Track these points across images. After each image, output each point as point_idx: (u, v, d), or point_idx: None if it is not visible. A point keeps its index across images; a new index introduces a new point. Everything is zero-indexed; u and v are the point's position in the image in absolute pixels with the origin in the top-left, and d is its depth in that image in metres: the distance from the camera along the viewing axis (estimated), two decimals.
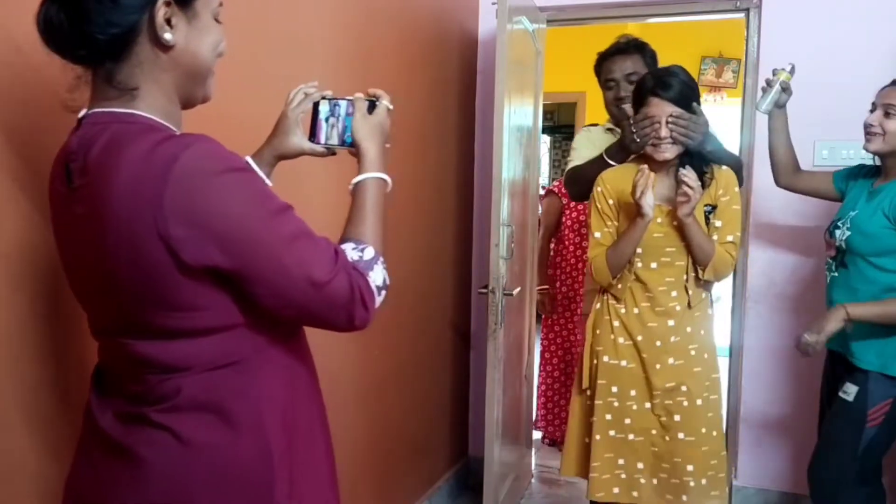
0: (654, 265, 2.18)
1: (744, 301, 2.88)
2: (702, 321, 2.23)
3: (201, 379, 0.96)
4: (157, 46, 0.95)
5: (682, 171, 2.05)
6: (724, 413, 2.25)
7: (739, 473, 2.93)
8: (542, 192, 3.55)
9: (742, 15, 2.88)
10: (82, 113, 0.98)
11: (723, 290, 3.41)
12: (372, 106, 1.21)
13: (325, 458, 1.16)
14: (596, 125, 2.76)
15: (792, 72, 2.27)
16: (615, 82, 2.53)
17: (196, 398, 0.96)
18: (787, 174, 2.38)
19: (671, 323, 2.19)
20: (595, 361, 2.25)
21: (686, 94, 2.08)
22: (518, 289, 2.71)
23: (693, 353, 2.20)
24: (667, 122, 2.06)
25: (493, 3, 2.49)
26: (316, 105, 1.24)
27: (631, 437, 2.21)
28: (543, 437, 3.67)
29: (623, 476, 2.22)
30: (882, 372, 2.06)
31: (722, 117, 5.55)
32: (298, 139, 1.26)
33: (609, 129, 2.62)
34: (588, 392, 2.27)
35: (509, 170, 2.57)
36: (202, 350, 0.96)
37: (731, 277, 2.99)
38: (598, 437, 2.22)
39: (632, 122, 2.13)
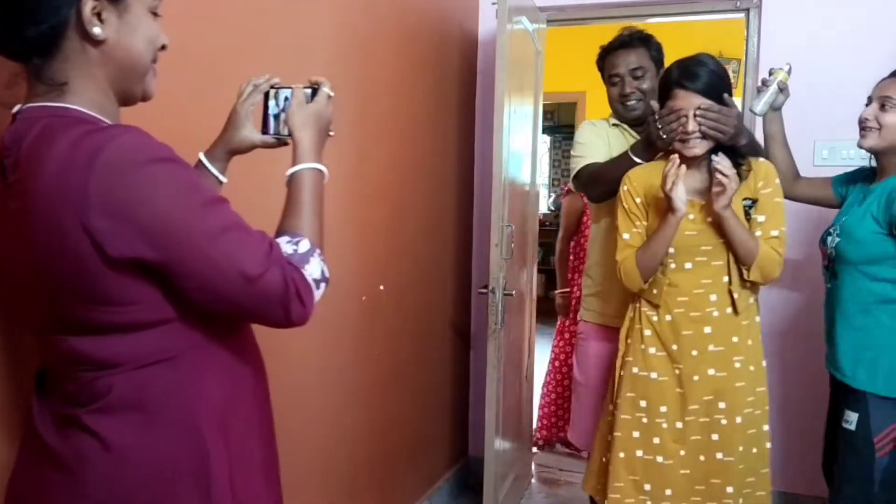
0: (688, 266, 1.99)
1: None
2: (750, 330, 2.02)
3: (133, 376, 0.95)
4: (87, 41, 0.93)
5: (714, 157, 1.88)
6: (766, 428, 2.04)
7: None
8: (562, 191, 3.50)
9: (742, 15, 2.88)
10: (16, 108, 0.97)
11: None
12: (314, 94, 1.18)
13: (267, 459, 1.14)
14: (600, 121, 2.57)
15: (789, 72, 2.15)
16: (619, 77, 2.35)
17: (127, 397, 0.95)
18: (786, 182, 2.20)
19: (707, 330, 1.98)
20: (622, 373, 2.07)
21: (715, 84, 1.91)
22: (518, 289, 2.71)
23: (738, 365, 1.99)
24: (694, 116, 1.89)
25: (493, 3, 2.49)
26: (266, 96, 1.22)
27: (660, 459, 2.00)
28: (539, 441, 3.56)
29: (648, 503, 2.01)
30: (878, 394, 1.92)
31: None
32: (248, 132, 1.23)
33: (615, 124, 2.44)
34: (611, 407, 2.10)
35: (509, 170, 2.57)
36: (134, 346, 0.95)
37: None
38: (621, 454, 2.02)
39: (657, 116, 1.98)
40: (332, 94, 1.19)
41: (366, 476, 2.39)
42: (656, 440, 2.01)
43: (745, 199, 1.98)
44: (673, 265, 2.00)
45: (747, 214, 1.99)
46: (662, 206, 1.94)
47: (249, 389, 1.09)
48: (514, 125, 2.65)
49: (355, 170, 2.24)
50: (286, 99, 1.20)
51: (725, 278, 1.98)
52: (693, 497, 2.00)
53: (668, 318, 2.01)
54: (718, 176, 1.86)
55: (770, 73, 2.17)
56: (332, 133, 1.20)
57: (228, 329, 1.05)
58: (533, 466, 3.38)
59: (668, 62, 3.10)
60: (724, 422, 1.99)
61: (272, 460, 1.16)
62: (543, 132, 6.84)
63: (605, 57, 2.41)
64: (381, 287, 2.41)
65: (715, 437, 1.99)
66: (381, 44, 2.37)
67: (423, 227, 2.77)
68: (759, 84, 2.20)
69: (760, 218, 1.98)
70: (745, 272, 1.95)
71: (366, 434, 2.37)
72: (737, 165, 1.92)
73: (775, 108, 2.20)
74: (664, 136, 1.96)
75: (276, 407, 1.86)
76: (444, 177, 2.95)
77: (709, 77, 1.90)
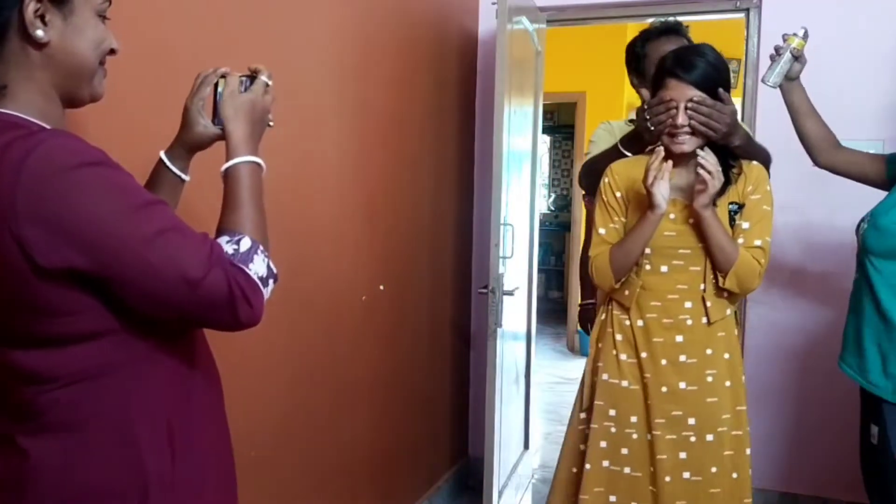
0: (664, 269, 1.87)
1: (744, 301, 2.88)
2: (726, 343, 1.90)
3: (71, 392, 0.91)
4: (29, 44, 0.91)
5: (699, 152, 1.76)
6: (748, 452, 1.93)
7: None
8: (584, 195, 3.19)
9: (742, 15, 2.88)
10: None
11: None
12: (252, 82, 1.13)
13: (221, 473, 1.09)
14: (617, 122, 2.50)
15: (805, 37, 1.95)
16: None
17: (62, 415, 0.91)
18: (826, 151, 2.01)
19: (679, 339, 1.87)
20: (595, 379, 1.98)
21: (712, 76, 1.77)
22: (518, 288, 2.71)
23: (710, 379, 1.87)
24: (686, 109, 1.75)
25: (493, 3, 2.49)
26: (215, 86, 1.18)
27: (627, 470, 1.91)
28: None
29: None
30: (892, 401, 1.75)
31: None
32: (202, 127, 1.17)
33: (631, 121, 2.33)
34: (583, 415, 2.01)
35: (509, 170, 2.57)
36: (74, 359, 0.91)
37: None
38: (588, 466, 1.93)
39: (646, 106, 1.85)
40: (269, 82, 1.15)
41: (366, 476, 2.39)
42: (624, 451, 1.91)
43: (731, 203, 1.87)
44: (648, 267, 1.88)
45: (732, 220, 1.87)
46: (643, 203, 1.83)
47: (201, 400, 1.05)
48: (514, 125, 2.65)
49: (355, 170, 2.23)
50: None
51: (702, 285, 1.86)
52: None
53: (639, 322, 1.90)
54: (701, 172, 1.75)
55: (784, 40, 1.98)
56: (271, 124, 1.16)
57: (176, 337, 1.01)
58: (533, 466, 3.38)
59: None
60: (693, 439, 1.87)
61: (227, 473, 1.12)
62: (543, 132, 6.83)
63: (649, 42, 2.25)
64: (381, 287, 2.41)
65: (683, 455, 1.87)
66: (380, 44, 2.36)
67: (423, 227, 2.77)
68: (773, 52, 2.00)
69: (745, 224, 1.86)
70: (720, 279, 1.83)
71: (366, 434, 2.37)
72: (727, 167, 1.82)
73: (791, 79, 2.00)
74: (651, 128, 1.83)
75: (276, 407, 1.86)
76: (444, 177, 2.95)
77: (705, 68, 1.77)
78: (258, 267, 0.98)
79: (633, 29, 5.28)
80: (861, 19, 2.68)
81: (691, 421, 1.87)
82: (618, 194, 1.94)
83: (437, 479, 3.02)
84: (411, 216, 2.65)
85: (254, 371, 1.78)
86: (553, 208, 8.06)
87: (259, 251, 1.00)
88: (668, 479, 1.87)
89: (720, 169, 1.77)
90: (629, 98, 5.42)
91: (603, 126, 2.42)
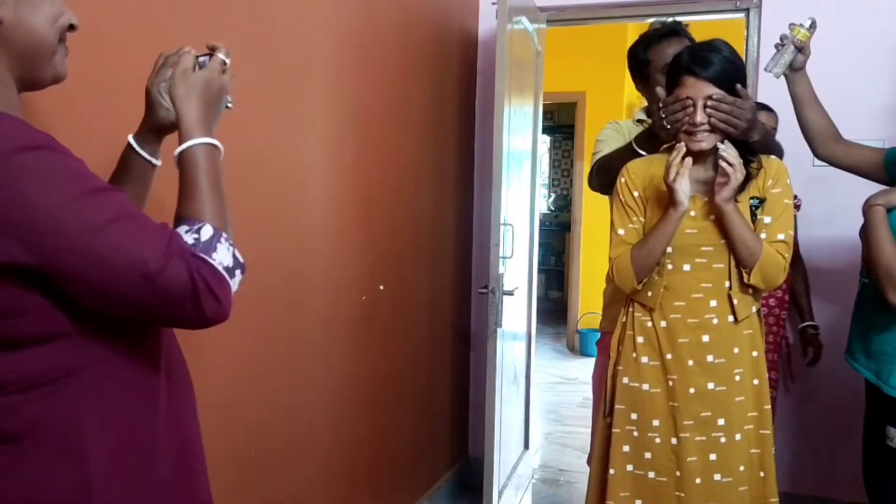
0: (686, 267, 1.84)
1: None
2: (752, 340, 1.87)
3: (20, 399, 0.85)
4: None
5: (720, 145, 1.73)
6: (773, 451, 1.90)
7: None
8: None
9: (742, 15, 2.88)
10: None
11: None
12: (203, 61, 1.06)
13: (185, 482, 1.02)
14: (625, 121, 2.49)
15: (811, 28, 1.93)
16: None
17: (8, 423, 0.85)
18: (826, 143, 1.99)
19: (706, 338, 1.84)
20: (615, 383, 1.94)
21: (729, 72, 1.74)
22: (517, 288, 2.71)
23: (738, 378, 1.85)
24: (704, 106, 1.73)
25: (493, 3, 2.49)
26: None
27: (652, 475, 1.87)
28: None
29: None
30: None
31: None
32: (165, 110, 1.08)
33: (640, 121, 2.34)
34: (608, 420, 1.97)
35: (509, 170, 2.57)
36: (23, 364, 0.84)
37: None
38: (612, 471, 1.91)
39: (661, 104, 1.81)
40: (227, 60, 1.07)
41: (366, 476, 2.39)
42: (647, 455, 1.88)
43: (752, 197, 1.84)
44: (670, 266, 1.85)
45: (753, 215, 1.84)
46: (663, 201, 1.81)
47: (166, 409, 0.98)
48: (514, 125, 2.65)
49: (355, 170, 2.23)
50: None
51: (727, 283, 1.82)
52: None
53: (662, 324, 1.87)
54: (723, 164, 1.72)
55: (790, 29, 1.96)
56: (229, 105, 1.09)
57: (138, 340, 0.95)
58: (533, 466, 3.38)
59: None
60: (723, 440, 1.84)
61: (193, 486, 1.04)
62: (543, 132, 6.83)
63: (648, 48, 2.25)
64: (381, 287, 2.41)
65: (713, 456, 1.85)
66: (380, 43, 2.36)
67: (423, 227, 2.77)
68: (777, 42, 1.98)
69: (767, 219, 1.83)
70: (745, 275, 1.79)
71: (366, 434, 2.37)
72: (746, 162, 1.79)
73: (795, 69, 1.98)
74: (668, 127, 1.79)
75: (276, 406, 1.86)
76: (444, 177, 2.95)
77: (722, 64, 1.73)
78: (223, 256, 0.91)
79: (633, 29, 5.29)
80: (861, 18, 2.68)
81: (721, 422, 1.84)
82: (635, 193, 1.90)
83: (437, 479, 3.02)
84: (411, 216, 2.65)
85: (253, 371, 1.78)
86: (553, 208, 8.06)
87: (222, 239, 0.92)
88: (698, 481, 1.84)
89: (741, 162, 1.74)
90: (629, 98, 5.42)
91: (611, 126, 2.39)
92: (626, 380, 1.91)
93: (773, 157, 1.89)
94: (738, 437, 1.85)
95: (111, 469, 0.90)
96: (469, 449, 3.32)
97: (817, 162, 2.67)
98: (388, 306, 2.47)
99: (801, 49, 1.96)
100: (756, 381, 1.87)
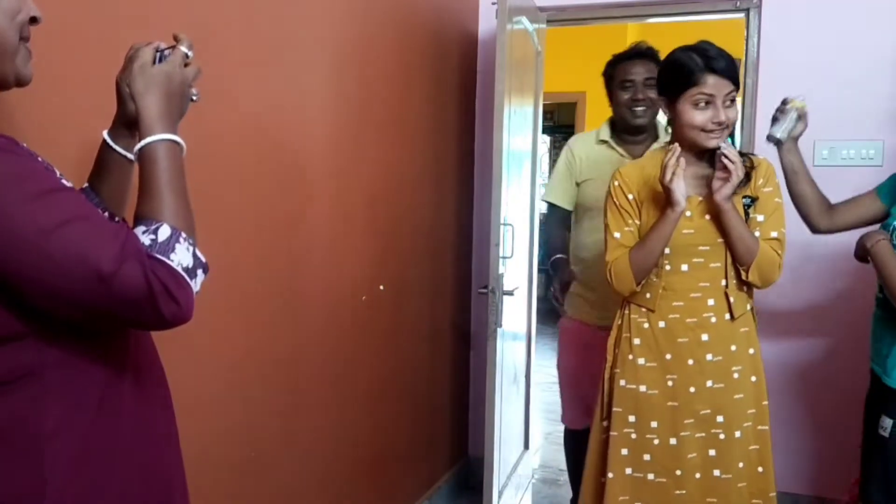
0: (684, 268, 1.85)
1: None
2: (749, 338, 1.89)
3: None
4: None
5: (722, 144, 1.75)
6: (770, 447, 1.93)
7: None
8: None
9: (742, 15, 2.88)
10: None
11: None
12: (164, 54, 1.02)
13: (153, 488, 0.99)
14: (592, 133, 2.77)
15: (804, 101, 2.00)
16: (633, 84, 2.49)
17: None
18: (823, 214, 2.04)
19: (705, 337, 1.85)
20: (612, 385, 1.95)
21: (737, 72, 1.80)
22: (517, 288, 2.71)
23: (736, 375, 1.87)
24: (724, 104, 1.76)
25: (493, 3, 2.49)
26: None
27: (651, 476, 1.89)
28: None
29: None
30: None
31: None
32: (133, 105, 1.04)
33: (603, 141, 2.61)
34: (605, 423, 1.98)
35: (509, 170, 2.57)
36: None
37: None
38: (611, 475, 1.91)
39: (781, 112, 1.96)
40: (189, 52, 1.03)
41: (365, 476, 2.39)
42: (647, 457, 1.89)
43: (744, 196, 1.87)
44: (668, 267, 1.86)
45: (747, 214, 1.87)
46: (658, 202, 1.83)
47: (134, 413, 0.96)
48: (514, 125, 2.65)
49: (355, 170, 2.23)
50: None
51: (723, 281, 1.85)
52: None
53: (661, 324, 1.87)
54: (726, 162, 1.73)
55: (785, 103, 2.01)
56: (194, 98, 1.05)
57: (99, 341, 0.92)
58: (533, 466, 3.38)
59: None
60: (722, 436, 1.86)
61: (160, 485, 1.02)
62: (543, 132, 6.83)
63: (617, 64, 2.52)
64: (381, 287, 2.41)
65: (712, 452, 1.86)
66: (380, 44, 2.36)
67: (423, 227, 2.77)
68: (776, 113, 2.03)
69: (760, 217, 1.86)
70: (742, 273, 1.82)
71: (365, 434, 2.37)
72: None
73: (794, 137, 2.02)
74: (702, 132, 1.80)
75: (276, 406, 1.86)
76: (443, 176, 2.95)
77: (733, 63, 1.80)
78: (181, 257, 0.88)
79: (633, 29, 5.29)
80: (861, 20, 2.68)
81: (720, 419, 1.86)
82: (630, 196, 1.91)
83: (437, 479, 3.02)
84: (411, 216, 2.65)
85: (253, 371, 1.78)
86: None
87: (182, 239, 0.90)
88: (698, 475, 1.87)
89: (741, 161, 1.77)
90: None
91: (564, 156, 2.71)
92: (623, 382, 1.91)
93: (761, 156, 1.94)
94: (737, 433, 1.86)
95: (69, 470, 0.88)
96: (469, 449, 3.32)
97: (817, 162, 2.69)
98: (388, 306, 2.47)
99: (801, 117, 2.00)
100: (754, 378, 1.89)
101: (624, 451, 1.90)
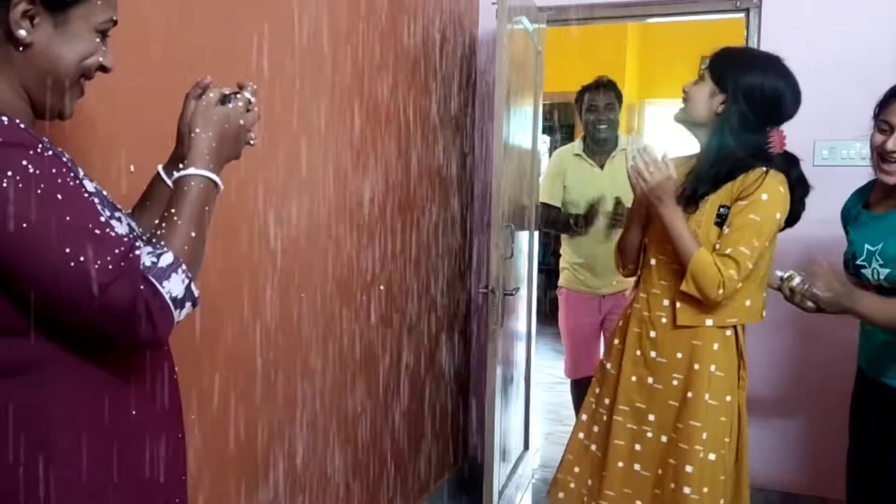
0: (653, 262, 1.91)
1: None
2: (701, 354, 1.81)
3: None
4: (11, 42, 0.89)
5: (637, 156, 1.81)
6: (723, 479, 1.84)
7: None
8: None
9: (742, 15, 2.88)
10: None
11: None
12: (230, 97, 1.08)
13: (155, 483, 1.00)
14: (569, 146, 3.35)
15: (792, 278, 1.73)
16: (597, 108, 3.13)
17: None
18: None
19: (653, 334, 1.88)
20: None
21: None
22: (518, 288, 2.71)
23: (675, 383, 1.84)
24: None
25: (493, 3, 2.49)
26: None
27: (593, 447, 1.99)
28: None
29: (572, 486, 2.02)
30: None
31: None
32: None
33: (577, 154, 3.21)
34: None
35: (509, 169, 2.57)
36: None
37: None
38: (570, 436, 2.09)
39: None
40: (252, 99, 1.09)
41: (365, 476, 2.39)
42: (595, 428, 2.01)
43: (721, 206, 1.82)
44: (645, 256, 1.96)
45: (721, 222, 1.81)
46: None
47: (137, 409, 0.97)
48: (514, 125, 2.65)
49: (355, 170, 2.23)
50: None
51: (678, 286, 1.80)
52: (625, 489, 1.90)
53: (628, 311, 1.99)
54: (631, 171, 1.83)
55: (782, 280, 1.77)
56: (252, 142, 1.10)
57: (101, 345, 0.93)
58: (533, 466, 3.38)
59: (667, 62, 3.09)
60: (649, 434, 1.87)
61: (160, 487, 1.02)
62: (543, 132, 6.81)
63: (586, 93, 3.17)
64: (381, 287, 2.41)
65: (638, 447, 1.89)
66: (380, 44, 2.36)
67: (423, 227, 2.77)
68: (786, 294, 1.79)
69: (726, 230, 1.79)
70: (682, 282, 1.77)
71: (365, 434, 2.37)
72: (729, 172, 1.81)
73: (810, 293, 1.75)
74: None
75: (276, 407, 1.86)
76: (444, 177, 2.95)
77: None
78: (174, 286, 0.90)
79: (633, 29, 5.30)
80: (861, 19, 2.68)
81: (651, 417, 1.89)
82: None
83: (437, 479, 3.02)
84: (411, 216, 2.65)
85: (253, 371, 1.78)
86: None
87: (181, 270, 0.92)
88: (620, 464, 1.91)
89: (660, 169, 1.78)
90: (629, 98, 5.42)
91: (554, 160, 3.32)
92: (608, 365, 2.04)
93: (767, 169, 1.81)
94: (663, 438, 1.86)
95: (70, 464, 0.89)
96: (469, 449, 3.32)
97: (817, 161, 2.70)
98: (388, 306, 2.47)
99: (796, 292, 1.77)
100: (690, 394, 1.81)
101: (584, 417, 2.06)
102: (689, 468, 1.80)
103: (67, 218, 0.84)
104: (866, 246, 1.81)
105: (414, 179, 2.66)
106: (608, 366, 2.00)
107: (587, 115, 3.15)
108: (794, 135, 2.34)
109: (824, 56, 2.71)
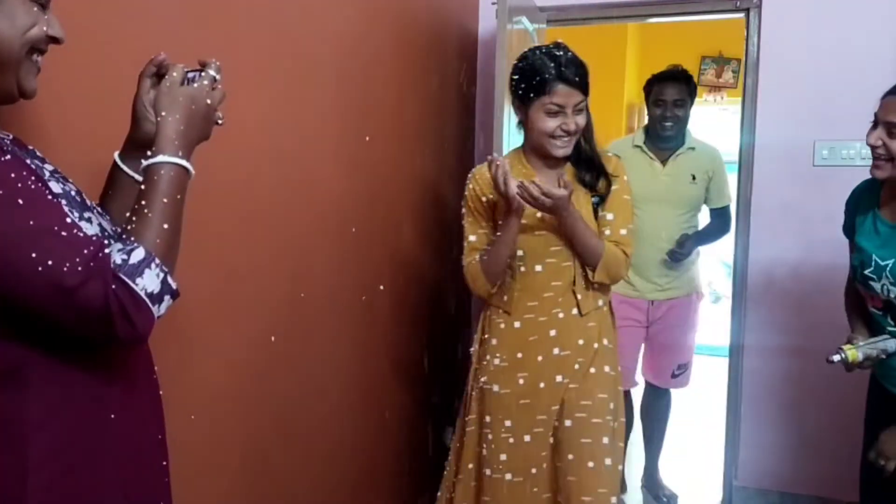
0: (538, 268, 1.92)
1: (744, 301, 2.88)
2: (599, 332, 1.93)
3: None
4: None
5: (525, 182, 1.78)
6: (606, 441, 1.90)
7: (740, 473, 2.93)
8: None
9: (742, 15, 2.88)
10: None
11: (723, 289, 3.39)
12: (199, 76, 1.03)
13: (137, 483, 0.99)
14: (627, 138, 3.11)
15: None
16: (664, 103, 2.84)
17: None
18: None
19: (553, 333, 1.92)
20: (473, 384, 2.04)
21: (588, 81, 1.87)
22: None
23: (577, 367, 1.92)
24: (574, 113, 1.86)
25: (493, 3, 2.49)
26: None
27: (508, 476, 1.94)
28: None
29: None
30: None
31: (722, 117, 5.58)
32: (150, 125, 1.04)
33: (637, 146, 2.92)
34: (467, 419, 2.06)
35: None
36: None
37: (731, 277, 2.99)
38: (460, 476, 2.02)
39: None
40: (217, 76, 1.04)
41: (365, 476, 2.39)
42: (503, 457, 1.93)
43: (593, 195, 1.93)
44: (523, 269, 1.92)
45: (596, 212, 1.92)
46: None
47: (118, 410, 0.96)
48: (514, 125, 2.64)
49: (355, 169, 2.23)
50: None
51: (573, 279, 1.91)
52: None
53: (516, 324, 1.94)
54: (521, 198, 1.78)
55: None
56: (219, 122, 1.06)
57: (82, 344, 0.91)
58: None
59: (666, 62, 3.11)
60: (556, 424, 1.92)
61: (142, 487, 1.01)
62: None
63: (655, 83, 2.88)
64: (381, 287, 2.41)
65: (551, 440, 1.92)
66: (380, 44, 2.36)
67: (424, 227, 2.77)
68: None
69: (609, 216, 1.92)
70: (590, 273, 1.88)
71: (365, 434, 2.37)
72: (595, 170, 1.92)
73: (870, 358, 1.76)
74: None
75: (275, 407, 1.86)
76: (444, 176, 2.95)
77: (584, 71, 1.85)
78: (148, 282, 0.88)
79: (633, 29, 5.29)
80: (861, 20, 2.68)
81: (554, 407, 1.92)
82: (484, 199, 1.96)
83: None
84: (411, 216, 2.65)
85: (252, 371, 1.78)
86: None
87: (153, 265, 0.89)
88: (544, 466, 1.92)
89: (547, 194, 1.77)
90: (629, 98, 5.42)
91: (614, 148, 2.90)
92: (483, 379, 2.00)
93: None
94: (567, 423, 1.89)
95: (52, 466, 0.89)
96: None
97: (817, 161, 2.70)
98: (388, 306, 2.47)
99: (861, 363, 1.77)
100: (592, 370, 1.91)
101: (484, 452, 1.96)
102: (605, 440, 1.90)
103: (31, 222, 0.82)
104: (875, 258, 1.77)
105: (414, 179, 2.66)
106: (495, 388, 1.96)
107: (653, 109, 2.88)
108: (794, 135, 2.35)
109: (824, 56, 2.71)
